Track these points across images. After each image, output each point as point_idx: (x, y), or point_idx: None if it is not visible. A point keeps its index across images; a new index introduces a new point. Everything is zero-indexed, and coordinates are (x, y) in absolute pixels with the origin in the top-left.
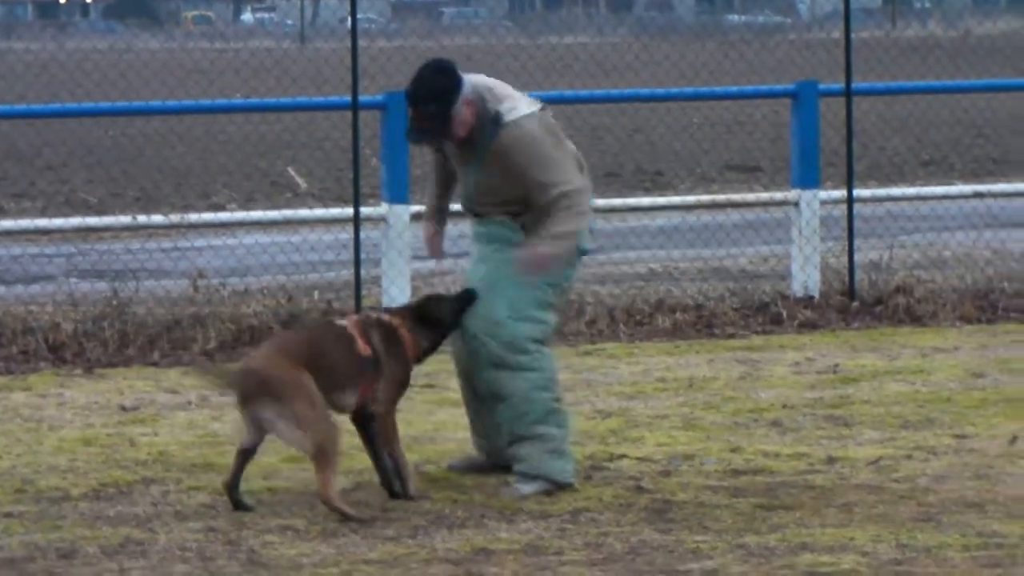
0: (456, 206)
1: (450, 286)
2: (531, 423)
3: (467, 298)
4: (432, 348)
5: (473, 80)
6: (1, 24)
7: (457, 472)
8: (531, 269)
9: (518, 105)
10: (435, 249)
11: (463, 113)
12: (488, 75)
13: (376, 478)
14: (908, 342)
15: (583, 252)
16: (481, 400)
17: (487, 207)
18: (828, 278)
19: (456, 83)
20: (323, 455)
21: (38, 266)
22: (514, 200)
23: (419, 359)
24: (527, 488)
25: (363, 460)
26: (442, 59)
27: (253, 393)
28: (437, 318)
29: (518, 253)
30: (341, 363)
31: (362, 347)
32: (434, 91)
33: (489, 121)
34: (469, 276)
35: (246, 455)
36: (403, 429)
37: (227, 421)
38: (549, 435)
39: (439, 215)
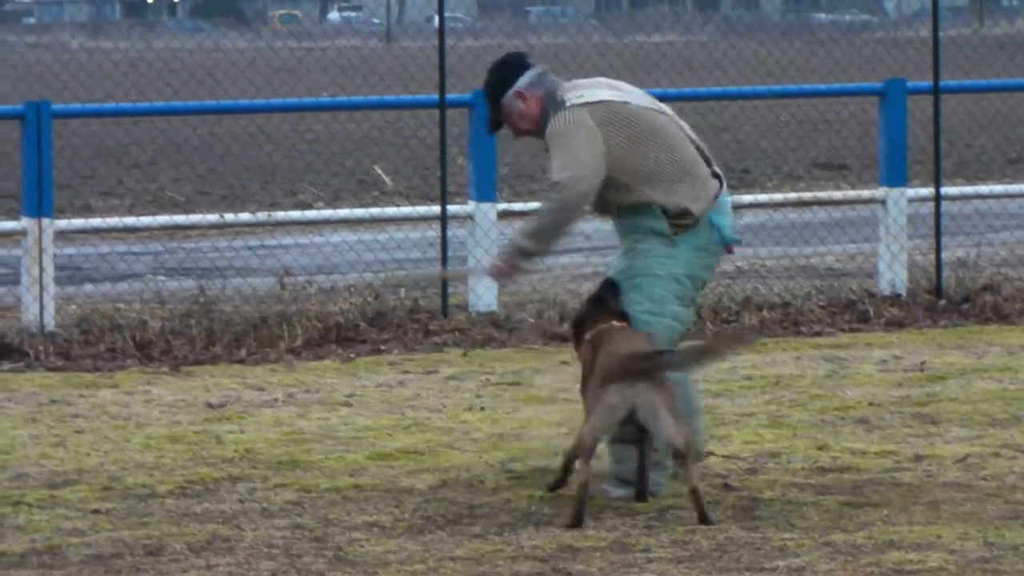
0: None
1: (535, 283)
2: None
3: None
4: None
5: (557, 80)
6: (89, 23)
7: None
8: (495, 279)
9: (589, 94)
10: None
11: (518, 106)
12: (574, 74)
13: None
14: (995, 340)
15: (734, 242)
16: None
17: (599, 198)
18: (915, 276)
19: (505, 76)
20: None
21: (126, 264)
22: (622, 190)
23: None
24: (616, 492)
25: (449, 458)
26: (509, 53)
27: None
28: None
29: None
30: None
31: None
32: (489, 80)
33: (553, 109)
34: (606, 268)
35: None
36: (489, 427)
37: (313, 419)
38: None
39: None
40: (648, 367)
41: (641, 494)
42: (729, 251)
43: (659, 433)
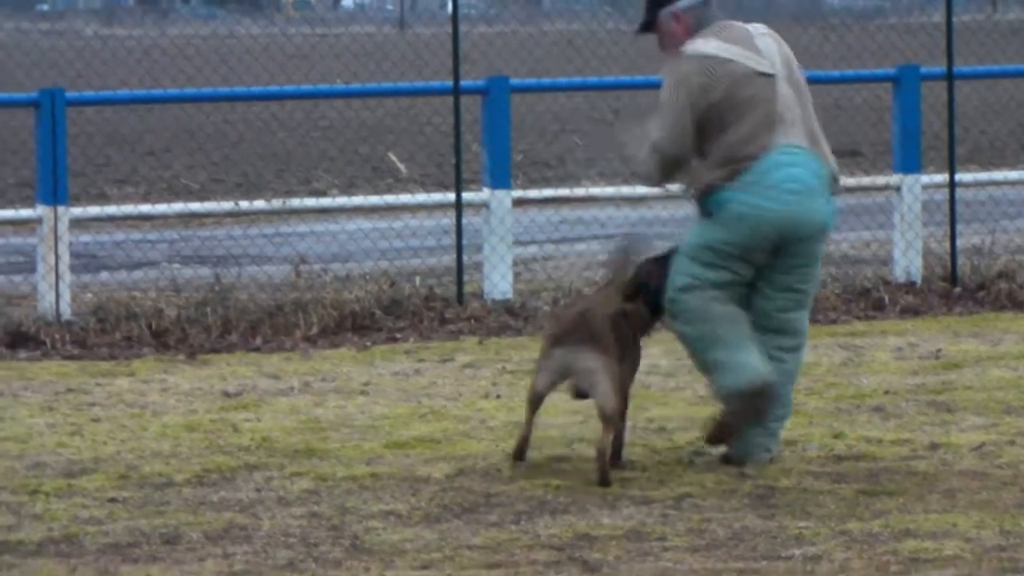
0: None
1: (551, 271)
2: (700, 359)
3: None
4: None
5: (714, 13)
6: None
7: (733, 464)
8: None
9: (702, 44)
10: None
11: (671, 25)
12: (587, 61)
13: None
14: (1011, 327)
15: (826, 228)
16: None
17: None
18: (930, 263)
19: None
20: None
21: (141, 252)
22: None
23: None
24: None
25: (466, 447)
26: None
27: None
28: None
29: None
30: None
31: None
32: None
33: None
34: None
35: None
36: (505, 415)
37: (329, 407)
38: (717, 361)
39: None
40: (590, 330)
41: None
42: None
43: (595, 396)
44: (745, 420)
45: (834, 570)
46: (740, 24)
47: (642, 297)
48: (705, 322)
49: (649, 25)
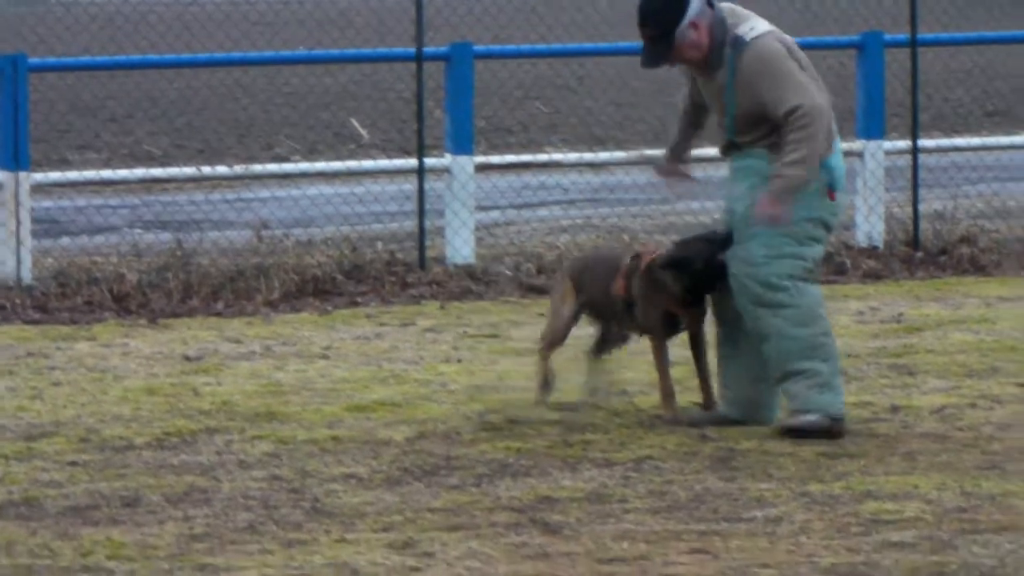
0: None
1: (513, 236)
2: (795, 359)
3: (724, 241)
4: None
5: (715, 3)
6: None
7: (698, 425)
8: (769, 222)
9: (757, 25)
10: (676, 184)
11: (691, 36)
12: (549, 26)
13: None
14: (972, 291)
15: (839, 189)
16: (732, 345)
17: (745, 137)
18: (892, 228)
19: (676, 6)
20: None
21: (103, 217)
22: (770, 129)
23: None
24: (808, 417)
25: (426, 410)
26: None
27: None
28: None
29: (754, 209)
30: None
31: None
32: (655, 12)
33: (730, 44)
34: (725, 216)
35: None
36: (466, 378)
37: (290, 371)
38: (814, 370)
39: (680, 152)
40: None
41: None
42: (831, 196)
43: None
44: (816, 437)
45: (795, 531)
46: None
47: (675, 270)
48: (815, 326)
49: (667, 53)
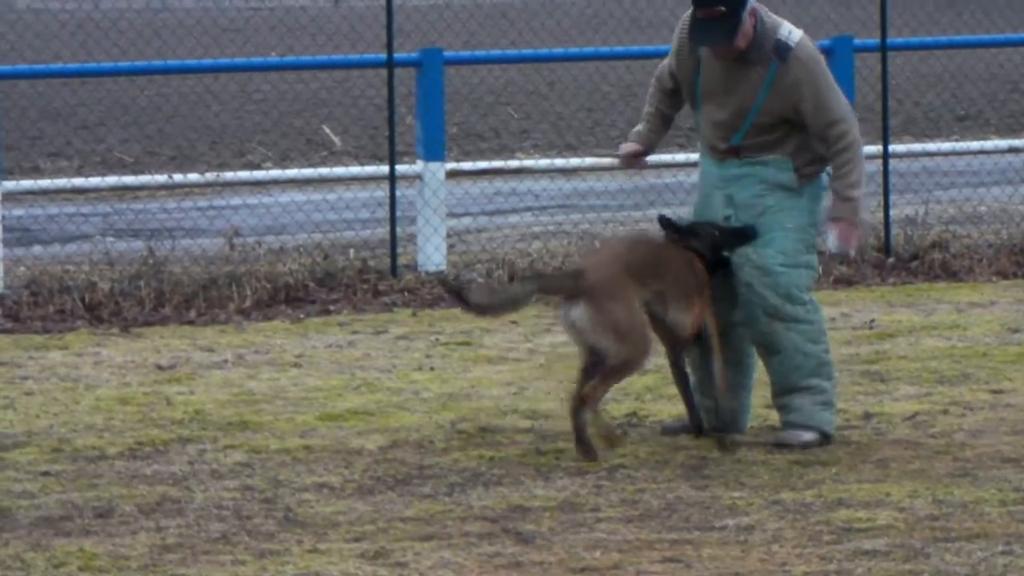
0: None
1: (485, 243)
2: (805, 375)
3: (743, 235)
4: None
5: None
6: None
7: (670, 434)
8: (853, 244)
9: (791, 28)
10: (630, 162)
11: (747, 23)
12: (521, 32)
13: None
14: (944, 297)
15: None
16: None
17: (752, 142)
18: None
19: None
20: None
21: (74, 225)
22: (789, 136)
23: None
24: (806, 436)
25: (399, 419)
26: None
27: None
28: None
29: (833, 232)
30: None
31: (701, 267)
32: None
33: (770, 45)
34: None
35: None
36: (438, 387)
37: (263, 379)
38: (820, 387)
39: (648, 144)
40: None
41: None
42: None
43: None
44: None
45: (767, 540)
46: None
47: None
48: (824, 342)
49: (735, 32)
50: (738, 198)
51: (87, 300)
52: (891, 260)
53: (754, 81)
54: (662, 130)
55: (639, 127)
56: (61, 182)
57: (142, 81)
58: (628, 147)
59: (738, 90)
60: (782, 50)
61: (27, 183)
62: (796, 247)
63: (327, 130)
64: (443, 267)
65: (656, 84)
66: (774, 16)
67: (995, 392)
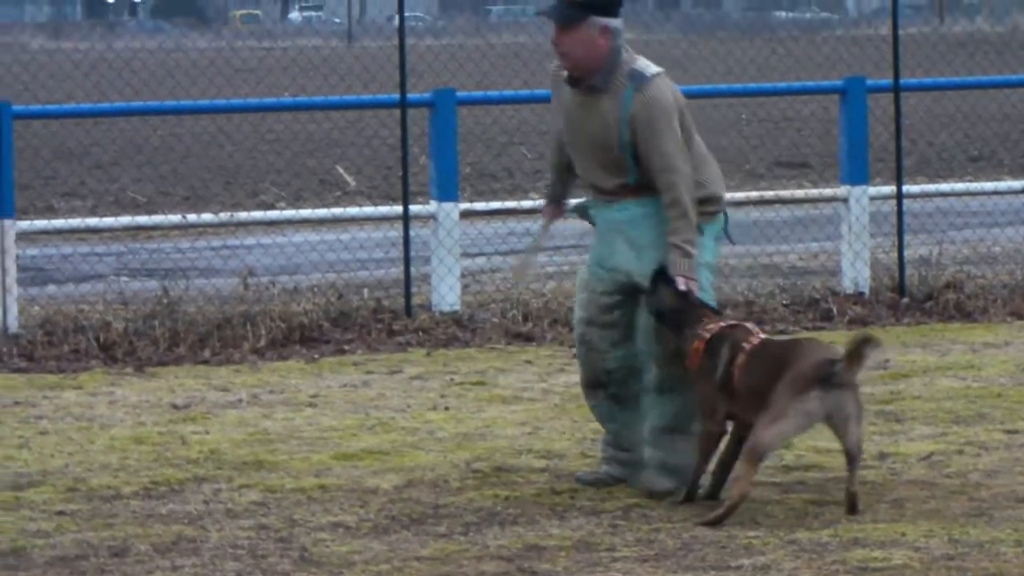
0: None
1: (499, 283)
2: (692, 419)
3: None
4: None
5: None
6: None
7: (584, 484)
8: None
9: (652, 65)
10: (554, 217)
11: (596, 36)
12: (533, 73)
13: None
14: (958, 338)
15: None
16: (632, 405)
17: (617, 185)
18: (878, 274)
19: (612, 3)
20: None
21: (88, 265)
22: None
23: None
24: (663, 483)
25: (414, 458)
26: None
27: None
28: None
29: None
30: None
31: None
32: None
33: (628, 76)
34: (593, 266)
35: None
36: (453, 426)
37: (278, 419)
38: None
39: (556, 201)
40: (841, 375)
41: (711, 495)
42: (730, 241)
43: (848, 438)
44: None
45: None
46: None
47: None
48: None
49: (575, 22)
50: (641, 240)
51: (101, 340)
52: (905, 300)
53: (610, 110)
54: (569, 180)
55: (549, 189)
56: (75, 222)
57: (155, 121)
58: (546, 212)
59: (593, 119)
60: (637, 78)
61: (41, 223)
62: (705, 285)
63: (341, 170)
64: (457, 307)
65: (552, 139)
66: (638, 56)
67: (1010, 432)
